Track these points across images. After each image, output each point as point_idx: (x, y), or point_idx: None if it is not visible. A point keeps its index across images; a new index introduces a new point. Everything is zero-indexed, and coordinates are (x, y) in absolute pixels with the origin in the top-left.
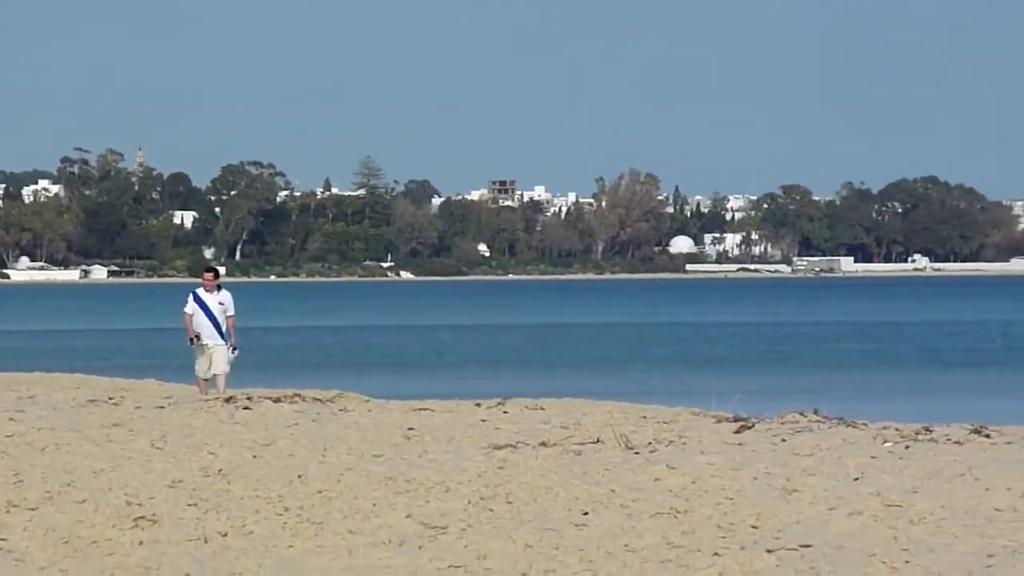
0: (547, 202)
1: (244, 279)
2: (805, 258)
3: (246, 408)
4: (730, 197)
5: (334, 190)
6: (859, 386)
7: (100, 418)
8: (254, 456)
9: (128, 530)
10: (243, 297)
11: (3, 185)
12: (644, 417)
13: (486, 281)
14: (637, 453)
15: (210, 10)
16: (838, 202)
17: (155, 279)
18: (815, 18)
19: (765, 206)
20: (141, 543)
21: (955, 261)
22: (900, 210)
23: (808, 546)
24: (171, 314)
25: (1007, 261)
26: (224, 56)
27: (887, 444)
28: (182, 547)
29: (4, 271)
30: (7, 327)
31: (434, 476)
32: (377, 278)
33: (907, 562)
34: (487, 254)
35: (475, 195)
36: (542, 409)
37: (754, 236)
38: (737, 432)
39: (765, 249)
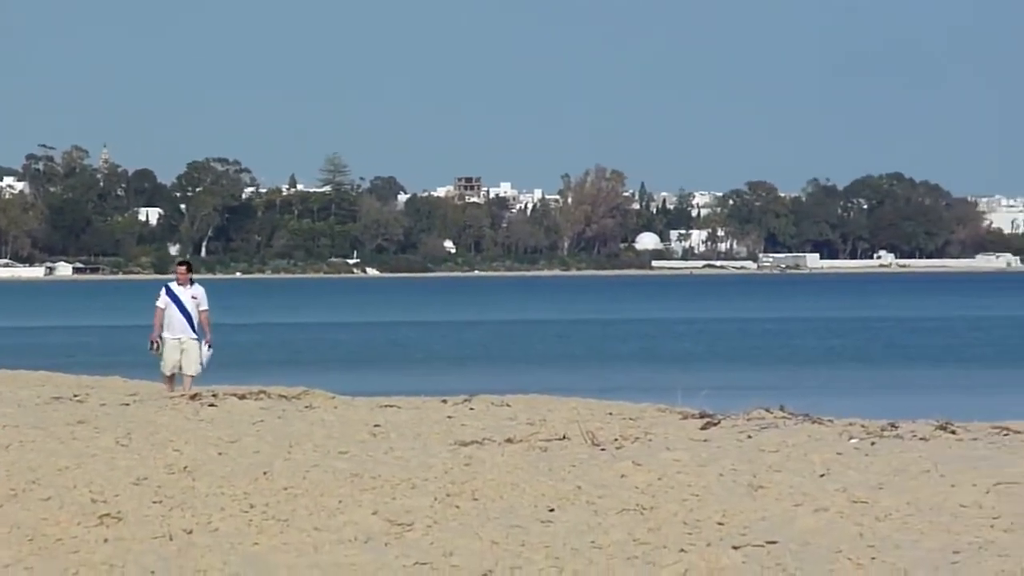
0: (513, 199)
1: (209, 276)
2: (771, 255)
3: (211, 405)
4: (696, 194)
5: (300, 187)
6: (825, 382)
7: (65, 415)
8: (219, 453)
9: (93, 527)
10: (208, 294)
11: None
12: (610, 413)
13: (452, 278)
14: (603, 449)
15: (174, 7)
16: (804, 199)
17: (120, 276)
18: (780, 14)
19: (731, 203)
20: (106, 540)
21: (920, 258)
22: (866, 207)
23: (774, 542)
24: (136, 311)
25: (972, 258)
26: (189, 53)
27: (853, 440)
28: (147, 544)
29: None
30: None
31: (400, 473)
32: (343, 275)
33: (873, 558)
34: (453, 251)
35: (441, 192)
36: (508, 406)
37: (720, 233)
38: (703, 428)
39: (731, 246)
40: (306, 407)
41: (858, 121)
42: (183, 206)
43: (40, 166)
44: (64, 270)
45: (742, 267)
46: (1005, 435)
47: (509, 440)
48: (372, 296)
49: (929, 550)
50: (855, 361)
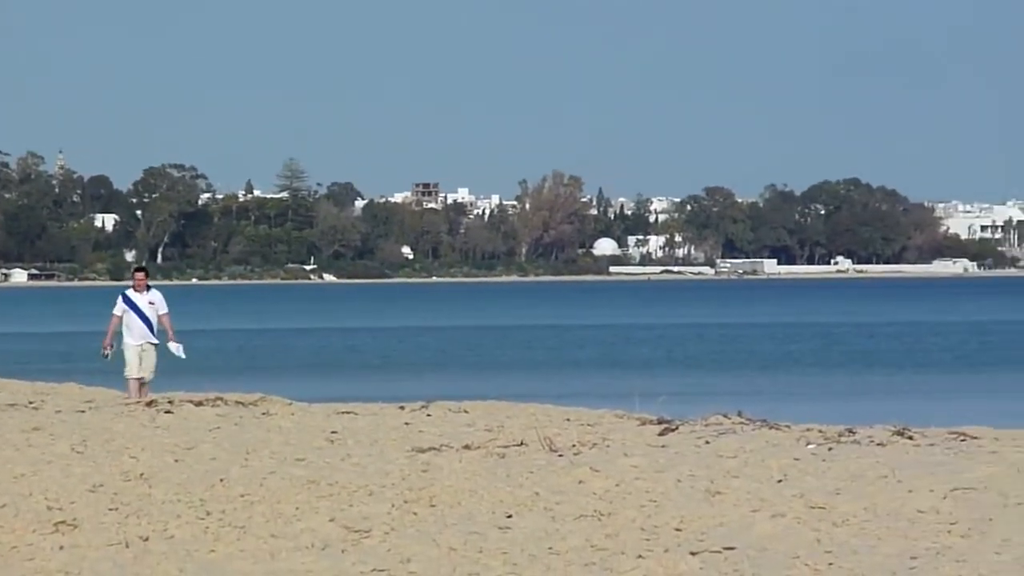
0: (471, 204)
1: (166, 282)
2: (728, 260)
3: (168, 412)
4: (653, 199)
5: (256, 192)
6: (782, 388)
7: (20, 422)
8: (176, 460)
9: (49, 535)
10: (165, 299)
11: None
12: (568, 419)
13: (409, 283)
14: (561, 456)
15: (128, 12)
16: (761, 204)
17: (76, 282)
18: (739, 21)
19: (688, 208)
20: (62, 548)
21: (877, 263)
22: (823, 212)
23: (732, 548)
24: (92, 317)
25: (929, 263)
26: (145, 58)
27: (810, 446)
28: (103, 552)
29: None
30: None
31: (357, 479)
32: (300, 281)
33: (830, 564)
34: (410, 256)
35: (398, 197)
36: (466, 412)
37: (677, 238)
38: (661, 434)
39: (688, 251)
40: (263, 414)
41: (815, 127)
42: (139, 212)
43: None
44: (19, 277)
45: (699, 273)
46: (962, 441)
47: (467, 446)
48: (329, 302)
49: (886, 556)
50: (813, 367)
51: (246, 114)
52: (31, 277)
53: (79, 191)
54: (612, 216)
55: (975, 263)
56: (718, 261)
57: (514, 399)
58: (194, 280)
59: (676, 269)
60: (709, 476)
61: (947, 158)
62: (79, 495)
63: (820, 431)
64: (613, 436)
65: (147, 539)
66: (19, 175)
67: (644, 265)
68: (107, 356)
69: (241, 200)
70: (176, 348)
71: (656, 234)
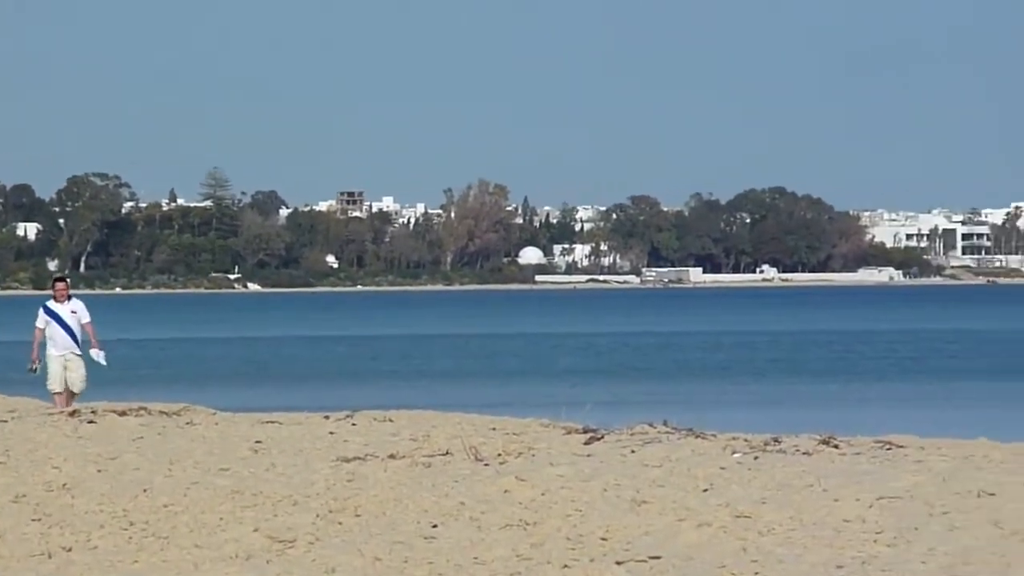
0: (396, 213)
1: (89, 291)
2: (654, 269)
3: (91, 422)
4: (579, 208)
5: (180, 201)
6: (709, 397)
7: None
8: (99, 470)
9: None
10: (88, 309)
11: None
12: (493, 429)
13: (334, 292)
14: (487, 465)
15: (52, 16)
16: (687, 213)
17: None
18: (665, 29)
19: (614, 217)
20: None
21: (803, 271)
22: (748, 221)
23: (657, 557)
24: (13, 326)
25: (855, 271)
26: (69, 65)
27: (736, 455)
28: (25, 563)
29: None
30: None
31: (282, 489)
32: (224, 290)
33: (756, 573)
34: (335, 265)
35: (323, 206)
36: (391, 421)
37: (603, 247)
38: (586, 443)
39: (614, 260)
40: (187, 423)
41: (740, 136)
42: (62, 221)
43: None
44: None
45: (625, 281)
46: (888, 449)
47: (392, 456)
48: (253, 311)
49: (812, 565)
50: (739, 375)
51: (169, 123)
52: None
53: (1, 200)
54: (538, 225)
55: (900, 271)
56: (644, 270)
57: (440, 408)
58: (117, 289)
59: (602, 278)
60: (635, 485)
61: (872, 167)
62: (1, 506)
63: (746, 440)
64: (539, 445)
65: (70, 550)
66: None
67: (570, 274)
68: (34, 371)
69: (165, 209)
70: (98, 355)
71: (582, 243)
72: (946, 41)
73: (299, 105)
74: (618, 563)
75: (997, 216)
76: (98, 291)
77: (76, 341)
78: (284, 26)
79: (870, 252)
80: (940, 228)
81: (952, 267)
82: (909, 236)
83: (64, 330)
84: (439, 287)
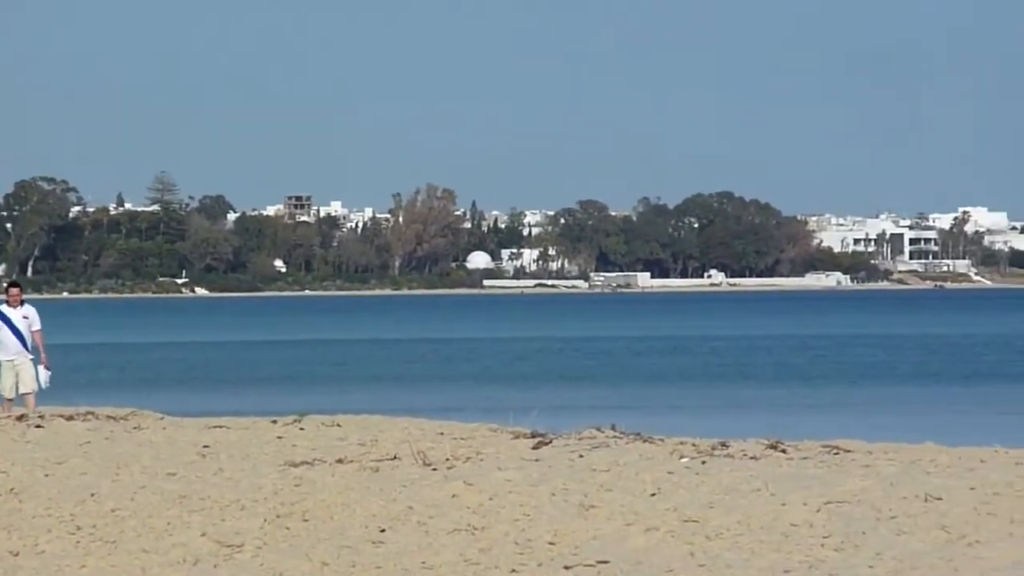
0: (344, 217)
1: (36, 295)
2: (602, 274)
3: (38, 426)
4: (527, 212)
5: (128, 205)
6: (657, 401)
7: None
8: (46, 475)
9: None
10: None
11: None
12: (441, 433)
13: (282, 297)
14: (434, 469)
15: None
16: (635, 217)
17: None
18: (604, 32)
19: (562, 221)
20: None
21: (751, 276)
22: (696, 225)
23: (605, 562)
24: None
25: (802, 276)
26: (14, 69)
27: (684, 460)
28: None
29: None
30: None
31: (229, 494)
32: (171, 294)
33: None
34: (283, 270)
35: (271, 210)
36: (339, 426)
37: (551, 252)
38: (534, 448)
39: (562, 265)
40: (134, 428)
41: (689, 140)
42: (9, 226)
43: None
44: None
45: (573, 286)
46: (835, 454)
47: (340, 460)
48: (201, 316)
49: (760, 569)
50: (687, 380)
51: (117, 127)
52: None
53: None
54: (486, 229)
55: (848, 276)
56: (592, 274)
57: (388, 413)
58: (65, 294)
59: (550, 283)
60: (583, 490)
61: (820, 172)
62: None
63: (694, 444)
64: (487, 450)
65: (17, 554)
66: None
67: (518, 278)
68: None
69: (112, 213)
70: (44, 376)
71: (530, 247)
72: (895, 45)
73: (246, 109)
74: (566, 568)
75: (945, 221)
76: (46, 295)
77: (26, 346)
78: (233, 31)
79: (818, 257)
80: (888, 233)
81: (900, 272)
82: (857, 241)
83: (15, 335)
84: (387, 292)
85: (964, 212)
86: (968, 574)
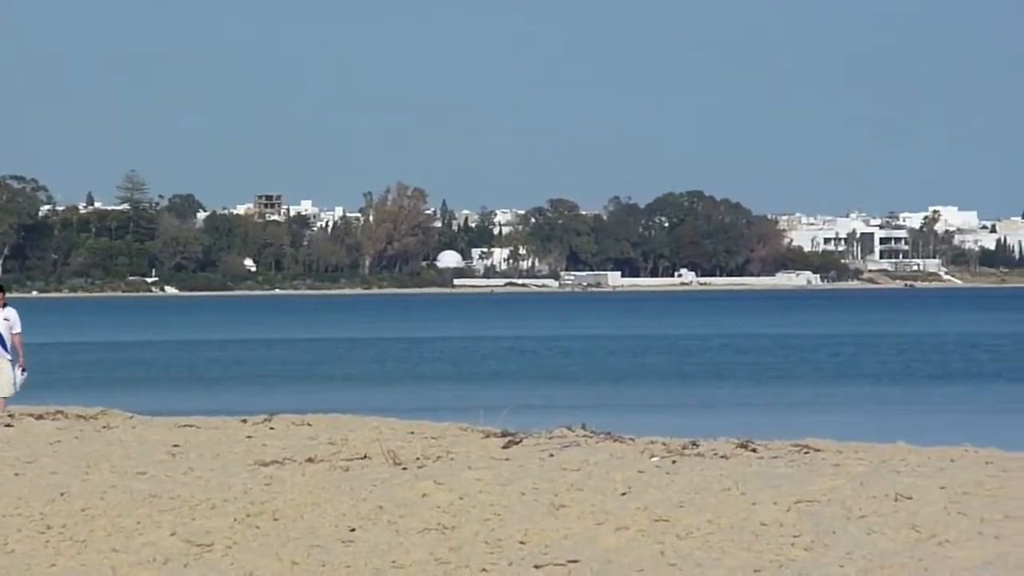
0: (314, 216)
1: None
2: (572, 273)
3: (8, 426)
4: (498, 211)
5: (97, 204)
6: (627, 401)
7: None
8: (16, 474)
9: None
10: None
11: None
12: (412, 433)
13: (252, 296)
14: (405, 469)
15: None
16: (605, 216)
17: None
18: (572, 29)
19: (533, 221)
20: None
21: (721, 275)
22: (667, 224)
23: (576, 561)
24: None
25: (773, 275)
26: None
27: (654, 459)
28: None
29: None
30: None
31: (199, 493)
32: (141, 293)
33: None
34: (253, 269)
35: (241, 209)
36: (309, 425)
37: (522, 251)
38: (505, 447)
39: (533, 263)
40: (104, 427)
41: (659, 139)
42: None
43: None
44: None
45: (544, 285)
46: (805, 453)
47: (310, 460)
48: (170, 315)
49: (730, 568)
50: (656, 379)
51: (86, 125)
52: None
53: None
54: (456, 228)
55: (818, 275)
56: (562, 274)
57: (358, 412)
58: (34, 293)
59: (520, 282)
60: (553, 489)
61: (790, 171)
62: None
63: (664, 444)
64: (457, 449)
65: None
66: None
67: (488, 278)
68: None
69: (82, 212)
70: (20, 379)
71: (500, 247)
72: (866, 46)
73: (216, 108)
74: (536, 567)
75: (915, 220)
76: (15, 294)
77: (5, 347)
78: (203, 29)
79: (788, 256)
80: (858, 232)
81: (870, 271)
82: (827, 240)
83: None
84: (357, 291)
85: (934, 211)
86: (938, 573)
